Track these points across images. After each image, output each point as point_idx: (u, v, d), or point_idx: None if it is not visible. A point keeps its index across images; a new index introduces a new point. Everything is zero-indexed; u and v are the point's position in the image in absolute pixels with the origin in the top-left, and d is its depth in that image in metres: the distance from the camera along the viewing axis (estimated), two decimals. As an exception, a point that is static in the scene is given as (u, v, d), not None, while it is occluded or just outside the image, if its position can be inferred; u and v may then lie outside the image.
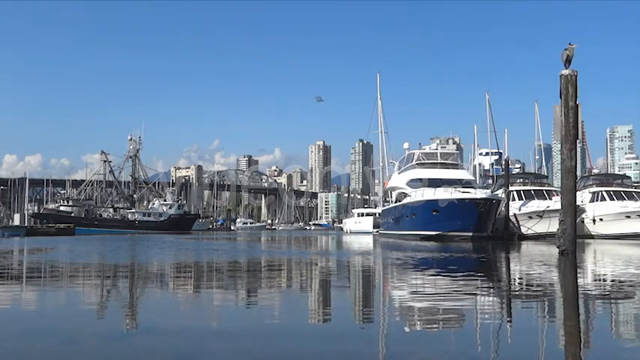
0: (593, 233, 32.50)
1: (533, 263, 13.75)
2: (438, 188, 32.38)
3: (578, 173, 26.30)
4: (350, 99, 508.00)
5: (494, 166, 53.34)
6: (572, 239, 14.47)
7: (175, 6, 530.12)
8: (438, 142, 71.35)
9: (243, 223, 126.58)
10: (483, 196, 31.59)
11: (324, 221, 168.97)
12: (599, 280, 10.06)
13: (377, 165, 66.91)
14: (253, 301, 7.28)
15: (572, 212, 14.73)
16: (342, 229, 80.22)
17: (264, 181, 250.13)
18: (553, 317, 5.88)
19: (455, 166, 38.50)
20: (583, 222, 31.90)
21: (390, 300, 7.21)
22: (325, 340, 4.65)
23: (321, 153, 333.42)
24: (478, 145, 58.37)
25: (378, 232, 51.31)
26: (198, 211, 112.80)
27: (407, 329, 5.06)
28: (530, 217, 33.84)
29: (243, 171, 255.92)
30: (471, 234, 29.68)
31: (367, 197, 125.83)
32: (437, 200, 31.44)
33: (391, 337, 4.70)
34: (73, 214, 77.19)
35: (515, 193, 35.60)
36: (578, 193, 19.29)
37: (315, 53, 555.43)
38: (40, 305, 6.97)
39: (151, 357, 4.06)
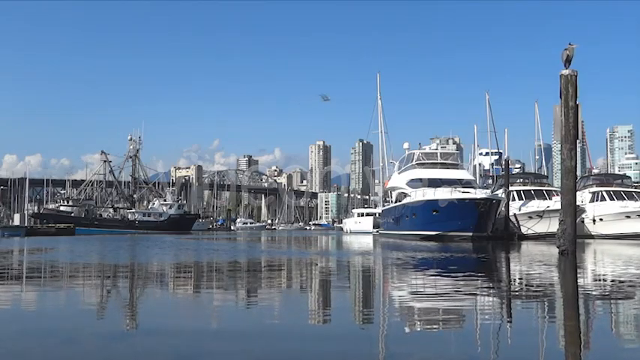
0: (593, 233, 32.50)
1: (533, 263, 13.75)
2: (438, 188, 32.39)
3: (578, 173, 26.30)
4: (350, 99, 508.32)
5: (494, 166, 53.35)
6: (572, 239, 14.48)
7: (175, 6, 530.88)
8: (438, 142, 71.34)
9: (243, 223, 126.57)
10: (483, 196, 31.60)
11: (324, 221, 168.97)
12: (600, 280, 10.06)
13: (377, 165, 67.03)
14: (253, 301, 7.28)
15: (572, 212, 14.73)
16: (342, 229, 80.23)
17: (264, 181, 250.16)
18: (553, 317, 5.88)
19: (455, 166, 38.50)
20: (583, 222, 31.91)
21: (390, 300, 7.21)
22: (325, 340, 4.65)
23: (321, 153, 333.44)
24: (478, 145, 58.46)
25: (378, 232, 51.32)
26: (198, 211, 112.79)
27: (407, 330, 5.05)
28: (530, 217, 33.85)
29: (243, 171, 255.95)
30: (471, 234, 29.68)
31: (367, 197, 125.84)
32: (437, 200, 31.45)
33: (391, 338, 4.70)
34: (73, 214, 77.19)
35: (515, 193, 35.61)
36: (578, 193, 19.30)
37: (315, 53, 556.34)
38: (40, 305, 6.97)
39: (151, 357, 4.06)
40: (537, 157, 63.12)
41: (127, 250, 22.21)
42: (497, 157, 55.88)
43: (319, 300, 7.52)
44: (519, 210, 34.38)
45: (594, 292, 7.88)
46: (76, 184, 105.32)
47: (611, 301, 7.02)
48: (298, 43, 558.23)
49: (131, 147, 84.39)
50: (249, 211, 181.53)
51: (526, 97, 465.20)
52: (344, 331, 5.06)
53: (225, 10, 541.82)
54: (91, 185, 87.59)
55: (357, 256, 17.05)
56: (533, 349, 4.27)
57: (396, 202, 40.41)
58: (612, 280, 9.77)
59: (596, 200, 33.72)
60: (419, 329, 5.13)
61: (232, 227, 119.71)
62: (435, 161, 37.93)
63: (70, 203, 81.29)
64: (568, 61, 15.20)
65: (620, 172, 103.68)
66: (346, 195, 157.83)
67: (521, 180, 39.52)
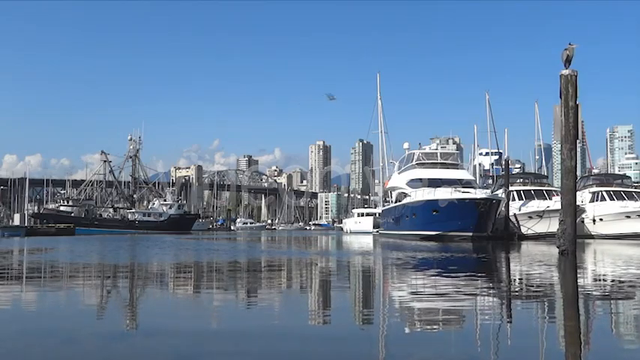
0: (593, 233, 32.50)
1: (533, 263, 13.74)
2: (438, 188, 32.40)
3: (578, 173, 26.30)
4: (350, 99, 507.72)
5: (495, 166, 53.37)
6: (572, 239, 14.47)
7: (175, 6, 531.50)
8: (438, 142, 71.39)
9: (243, 223, 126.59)
10: (483, 196, 31.60)
11: (324, 221, 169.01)
12: (600, 280, 10.06)
13: (377, 165, 67.06)
14: (253, 301, 7.27)
15: (572, 212, 14.73)
16: (342, 229, 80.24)
17: (264, 181, 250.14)
18: (553, 317, 5.88)
19: (455, 166, 38.51)
20: (583, 222, 31.91)
21: (391, 300, 7.20)
22: (325, 341, 4.64)
23: (321, 153, 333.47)
24: (478, 145, 58.47)
25: (378, 232, 51.32)
26: (198, 211, 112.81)
27: (407, 330, 5.05)
28: (530, 217, 33.85)
29: (243, 171, 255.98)
30: (471, 234, 29.69)
31: (367, 197, 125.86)
32: (437, 200, 31.45)
33: (391, 338, 4.70)
34: (73, 214, 77.21)
35: (515, 193, 35.62)
36: (578, 193, 19.30)
37: (315, 53, 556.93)
38: (40, 305, 6.97)
39: (151, 357, 4.06)
40: (537, 157, 63.18)
41: (127, 250, 22.21)
42: (497, 157, 55.90)
43: (319, 300, 7.51)
44: (519, 210, 34.38)
45: (594, 293, 7.88)
46: (76, 184, 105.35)
47: (612, 301, 7.01)
48: (298, 43, 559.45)
49: (131, 147, 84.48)
50: (249, 211, 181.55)
51: (526, 97, 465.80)
52: (344, 331, 5.05)
53: (225, 10, 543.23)
54: (91, 185, 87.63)
55: (357, 256, 17.04)
56: (533, 350, 4.27)
57: (396, 202, 40.41)
58: (612, 281, 9.76)
59: (596, 200, 33.72)
60: (419, 329, 5.12)
61: (232, 227, 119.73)
62: (435, 161, 37.94)
63: (70, 203, 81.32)
64: (568, 61, 15.20)
65: (620, 172, 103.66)
66: (346, 195, 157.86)
67: (521, 180, 39.52)
